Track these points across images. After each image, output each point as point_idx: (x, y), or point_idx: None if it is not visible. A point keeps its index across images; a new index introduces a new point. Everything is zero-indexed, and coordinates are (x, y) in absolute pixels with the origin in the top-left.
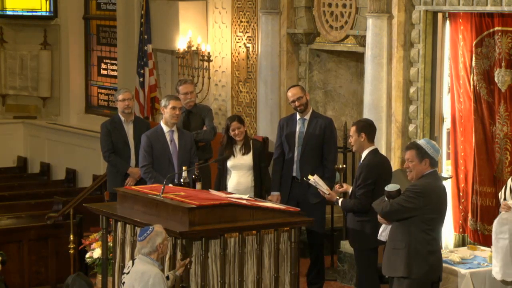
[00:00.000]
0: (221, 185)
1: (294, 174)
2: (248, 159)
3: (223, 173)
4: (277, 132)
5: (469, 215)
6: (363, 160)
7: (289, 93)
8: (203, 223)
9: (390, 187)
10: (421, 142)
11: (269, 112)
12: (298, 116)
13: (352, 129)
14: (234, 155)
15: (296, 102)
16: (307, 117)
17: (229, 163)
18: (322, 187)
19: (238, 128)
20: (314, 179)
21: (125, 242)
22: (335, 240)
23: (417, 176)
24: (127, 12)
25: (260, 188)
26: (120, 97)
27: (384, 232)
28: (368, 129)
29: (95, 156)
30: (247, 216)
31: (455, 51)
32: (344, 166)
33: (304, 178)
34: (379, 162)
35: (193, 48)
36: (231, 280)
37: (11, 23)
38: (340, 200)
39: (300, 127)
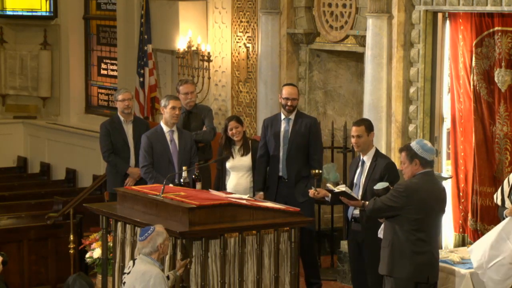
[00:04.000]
0: (220, 186)
1: (280, 173)
2: (247, 160)
3: (222, 173)
4: (261, 132)
5: (469, 215)
6: (375, 160)
7: (285, 91)
8: (203, 223)
9: (378, 186)
10: (413, 143)
11: (269, 112)
12: (282, 116)
13: (361, 129)
14: (233, 156)
15: (289, 101)
16: (292, 116)
17: (228, 164)
18: (354, 194)
19: (235, 128)
20: (345, 189)
21: (125, 242)
22: (335, 240)
23: (410, 177)
24: (127, 12)
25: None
26: (119, 97)
27: (383, 230)
28: (373, 128)
29: (95, 156)
30: (247, 216)
31: (455, 51)
32: (321, 171)
33: (335, 190)
34: None
35: (193, 48)
36: (231, 280)
37: (11, 23)
38: (367, 202)
39: (285, 126)
